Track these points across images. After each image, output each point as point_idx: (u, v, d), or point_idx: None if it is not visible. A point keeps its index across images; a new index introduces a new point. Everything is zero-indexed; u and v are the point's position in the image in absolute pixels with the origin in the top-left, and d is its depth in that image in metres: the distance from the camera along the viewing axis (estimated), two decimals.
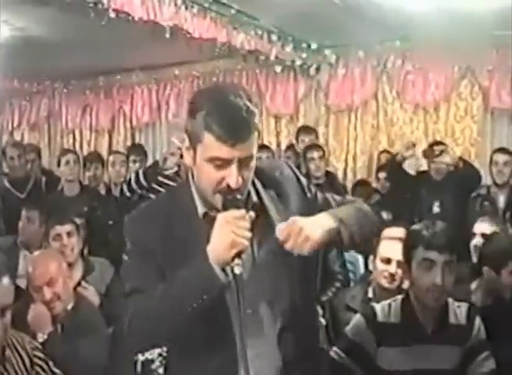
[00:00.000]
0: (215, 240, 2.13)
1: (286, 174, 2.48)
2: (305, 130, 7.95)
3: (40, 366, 3.07)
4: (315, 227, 2.21)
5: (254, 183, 2.36)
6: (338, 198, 2.58)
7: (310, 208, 2.39)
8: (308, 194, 2.48)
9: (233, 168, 2.16)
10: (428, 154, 6.81)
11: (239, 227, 2.10)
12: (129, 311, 2.29)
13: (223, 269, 2.13)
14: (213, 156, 2.17)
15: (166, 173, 5.59)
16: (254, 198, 2.34)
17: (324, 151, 7.39)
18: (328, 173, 7.36)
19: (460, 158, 6.56)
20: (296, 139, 7.84)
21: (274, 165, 2.58)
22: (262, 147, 7.56)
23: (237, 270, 2.09)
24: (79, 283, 4.70)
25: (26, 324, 3.84)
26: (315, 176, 6.88)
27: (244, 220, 2.13)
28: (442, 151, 6.53)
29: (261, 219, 2.28)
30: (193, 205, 2.33)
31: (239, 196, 2.19)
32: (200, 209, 2.32)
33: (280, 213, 2.34)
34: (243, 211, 2.15)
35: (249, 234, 2.12)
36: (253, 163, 2.25)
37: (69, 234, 5.05)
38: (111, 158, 7.33)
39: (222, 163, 2.17)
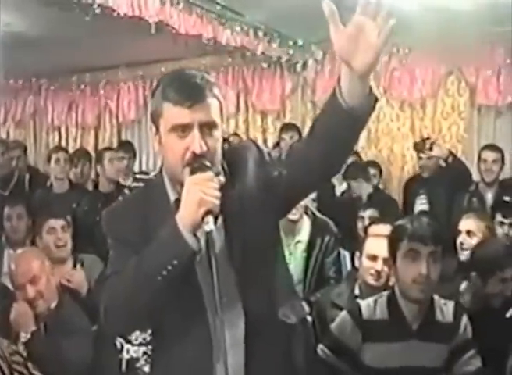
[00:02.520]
0: (183, 203, 2.13)
1: (246, 146, 2.51)
2: (286, 127, 7.92)
3: (20, 372, 3.04)
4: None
5: (222, 166, 2.36)
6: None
7: (268, 172, 2.37)
8: (267, 158, 2.44)
9: (195, 132, 2.18)
10: (420, 147, 6.83)
11: (207, 187, 2.10)
12: (105, 293, 2.31)
13: (195, 235, 2.13)
14: (174, 124, 2.20)
15: (148, 176, 5.54)
16: (222, 179, 2.30)
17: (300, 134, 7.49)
18: None
19: (451, 153, 6.55)
20: (279, 137, 7.82)
21: (239, 144, 2.58)
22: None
23: (207, 228, 2.08)
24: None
25: (10, 324, 3.82)
26: None
27: (212, 181, 2.13)
28: (432, 144, 6.55)
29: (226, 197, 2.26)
30: (165, 193, 2.35)
31: (207, 163, 2.17)
32: (172, 196, 2.33)
33: (230, 197, 2.28)
34: (210, 173, 2.15)
35: (218, 194, 2.11)
36: (217, 133, 2.25)
37: (63, 228, 5.08)
38: (107, 154, 7.27)
39: (183, 130, 2.19)
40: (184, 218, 2.11)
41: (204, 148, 2.18)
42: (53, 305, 4.04)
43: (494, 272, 3.81)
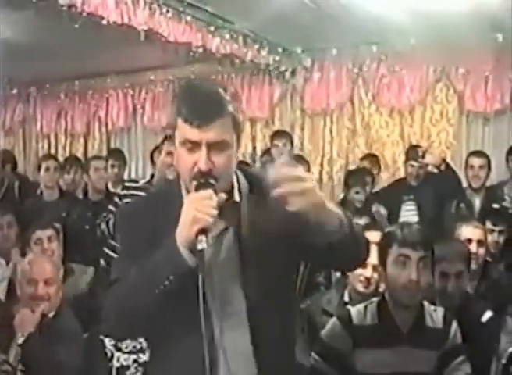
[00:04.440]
0: (180, 220, 2.15)
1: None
2: (279, 134, 7.91)
3: None
4: (314, 187, 2.14)
5: (239, 186, 2.38)
6: None
7: (290, 219, 2.30)
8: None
9: (202, 151, 2.19)
10: (412, 155, 6.83)
11: (202, 205, 2.12)
12: (108, 299, 2.34)
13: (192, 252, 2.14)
14: (184, 139, 2.22)
15: (137, 185, 5.51)
16: (237, 198, 2.34)
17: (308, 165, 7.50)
18: None
19: (443, 160, 6.55)
20: (271, 143, 7.81)
21: (264, 173, 2.59)
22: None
23: (200, 246, 2.09)
24: None
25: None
26: None
27: (209, 199, 2.14)
28: (425, 152, 6.56)
29: (233, 218, 2.33)
30: (181, 199, 2.35)
31: (211, 181, 2.19)
32: None
33: (253, 219, 2.34)
34: (209, 191, 2.16)
35: (213, 212, 2.12)
36: (229, 151, 2.25)
37: (49, 239, 5.10)
38: (93, 163, 7.18)
39: (192, 146, 2.21)
40: (180, 235, 2.13)
41: (210, 166, 2.20)
42: (52, 314, 4.07)
43: (434, 265, 3.81)
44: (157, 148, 7.33)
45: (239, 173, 2.43)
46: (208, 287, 2.21)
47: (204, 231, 2.10)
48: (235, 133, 2.28)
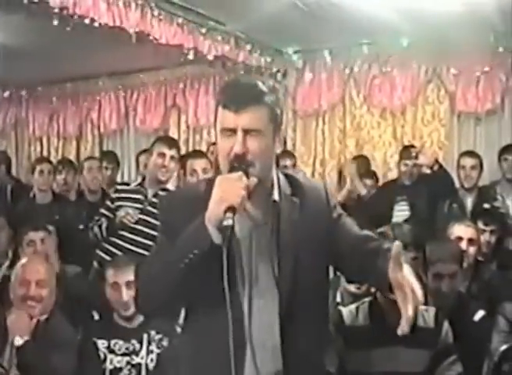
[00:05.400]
0: (211, 199, 2.23)
1: (320, 193, 2.59)
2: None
3: None
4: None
5: (280, 187, 2.49)
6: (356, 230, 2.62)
7: (329, 227, 2.51)
8: (334, 214, 2.57)
9: (238, 135, 2.31)
10: (405, 155, 6.84)
11: (231, 185, 2.22)
12: (141, 271, 2.51)
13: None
14: (222, 127, 2.35)
15: (129, 187, 5.51)
16: (276, 197, 2.44)
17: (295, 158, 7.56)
18: None
19: (436, 161, 6.55)
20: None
21: (312, 181, 2.86)
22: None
23: (225, 222, 2.16)
24: None
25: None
26: None
27: (238, 181, 2.23)
28: (418, 153, 6.56)
29: (272, 217, 2.43)
30: None
31: (243, 165, 2.29)
32: None
33: (293, 221, 2.44)
34: (239, 173, 2.26)
35: (241, 192, 2.20)
36: (264, 139, 2.35)
37: (42, 241, 5.12)
38: (86, 164, 7.21)
39: (229, 133, 2.33)
40: (209, 213, 2.21)
41: (244, 150, 2.30)
42: (44, 317, 4.06)
43: (427, 265, 3.82)
44: (143, 151, 7.36)
45: (280, 175, 2.53)
46: (239, 274, 2.37)
47: (231, 209, 2.17)
48: (272, 124, 2.38)
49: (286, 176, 2.57)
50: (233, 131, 2.32)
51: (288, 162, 7.36)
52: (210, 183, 2.43)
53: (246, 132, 2.31)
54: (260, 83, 2.40)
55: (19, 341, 3.81)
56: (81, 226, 6.07)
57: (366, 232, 2.61)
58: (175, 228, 2.36)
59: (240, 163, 2.29)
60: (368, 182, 7.23)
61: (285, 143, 7.82)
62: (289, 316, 2.39)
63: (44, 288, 4.06)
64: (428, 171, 6.49)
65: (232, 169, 2.29)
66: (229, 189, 2.21)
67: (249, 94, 2.35)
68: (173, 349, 3.92)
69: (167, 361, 3.94)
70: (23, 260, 4.34)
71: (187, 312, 2.53)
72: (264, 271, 2.41)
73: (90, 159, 7.56)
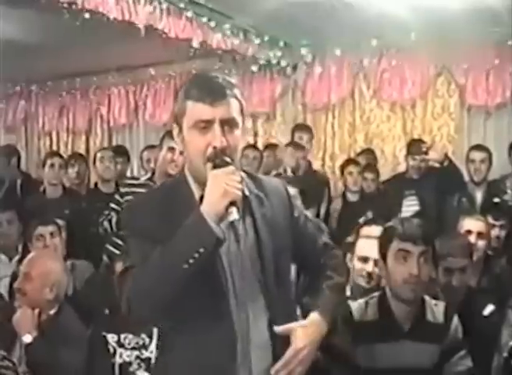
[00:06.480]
0: (207, 195, 2.23)
1: (280, 190, 2.64)
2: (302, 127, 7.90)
3: None
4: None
5: (247, 184, 2.48)
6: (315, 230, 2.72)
7: (292, 225, 2.58)
8: (295, 213, 2.63)
9: (216, 128, 2.31)
10: (415, 150, 6.82)
11: (230, 179, 2.22)
12: (126, 288, 2.39)
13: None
14: (196, 120, 2.34)
15: (139, 181, 5.50)
16: (246, 192, 2.43)
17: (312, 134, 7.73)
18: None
19: (446, 156, 6.53)
20: (292, 136, 7.68)
21: (270, 178, 2.80)
22: (249, 146, 7.65)
23: (231, 217, 2.20)
24: None
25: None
26: None
27: (235, 175, 2.24)
28: (428, 148, 6.54)
29: (245, 212, 2.43)
30: (189, 190, 2.44)
31: (227, 159, 2.28)
32: (197, 193, 2.41)
33: (264, 215, 2.48)
34: (231, 167, 2.26)
35: (240, 186, 2.23)
36: (237, 132, 2.38)
37: (52, 235, 5.13)
38: (99, 154, 7.17)
39: (205, 125, 2.32)
40: (209, 208, 2.20)
41: (225, 144, 2.30)
42: (53, 311, 4.07)
43: (437, 260, 3.81)
44: (147, 147, 7.38)
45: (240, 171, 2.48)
46: (223, 274, 2.37)
47: (233, 204, 2.19)
48: (241, 116, 2.42)
49: (246, 173, 2.58)
50: (209, 123, 2.31)
51: (305, 137, 7.41)
52: (171, 183, 2.53)
53: (222, 125, 2.31)
54: (226, 76, 2.45)
55: (28, 339, 3.82)
56: (90, 223, 6.07)
57: (324, 239, 2.72)
58: (149, 235, 2.34)
59: (222, 159, 2.28)
60: (370, 176, 7.17)
61: (293, 136, 7.74)
62: (275, 312, 2.44)
63: (52, 283, 4.07)
64: (437, 165, 6.47)
65: (216, 166, 2.27)
66: (230, 183, 2.20)
67: (222, 86, 2.37)
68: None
69: None
70: (31, 254, 4.35)
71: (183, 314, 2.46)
72: (248, 268, 2.42)
73: (102, 150, 7.56)
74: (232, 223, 2.25)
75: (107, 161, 6.94)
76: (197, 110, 2.33)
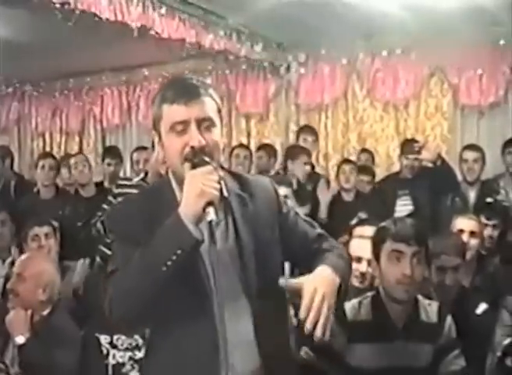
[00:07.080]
0: (184, 195, 2.22)
1: (268, 188, 2.62)
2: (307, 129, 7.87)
3: None
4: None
5: (227, 184, 2.42)
6: (308, 226, 2.68)
7: (280, 222, 2.55)
8: (284, 210, 2.60)
9: (192, 128, 2.31)
10: (408, 149, 6.82)
11: (207, 179, 2.20)
12: (110, 288, 2.34)
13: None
14: (172, 122, 2.33)
15: (131, 182, 5.49)
16: (225, 193, 2.35)
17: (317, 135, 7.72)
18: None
19: (439, 156, 6.53)
20: (297, 138, 7.70)
21: (257, 177, 2.79)
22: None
23: (209, 218, 2.17)
24: None
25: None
26: None
27: (212, 174, 2.22)
28: (421, 148, 6.54)
29: (225, 213, 2.41)
30: (172, 193, 2.43)
31: (206, 158, 2.27)
32: (179, 195, 2.38)
33: (245, 215, 2.45)
34: (209, 167, 2.24)
35: (218, 186, 2.21)
36: (215, 130, 2.37)
37: (46, 236, 5.13)
38: (71, 161, 7.06)
39: (182, 128, 2.32)
40: (186, 209, 2.19)
41: (203, 142, 2.29)
42: (46, 312, 4.06)
43: (430, 259, 3.81)
44: (137, 148, 7.35)
45: (223, 171, 2.47)
46: (206, 275, 2.34)
47: (211, 204, 2.17)
48: (219, 115, 2.41)
49: (231, 173, 2.57)
50: (185, 124, 2.31)
51: (309, 139, 7.41)
52: (154, 187, 2.55)
53: (199, 124, 2.31)
54: (200, 78, 2.49)
55: (21, 340, 3.81)
56: (79, 223, 6.06)
57: (317, 230, 2.67)
58: (133, 238, 2.33)
59: (200, 158, 2.27)
60: (365, 178, 7.16)
61: (298, 139, 7.71)
62: (259, 313, 2.40)
63: (45, 284, 4.06)
64: (431, 165, 6.47)
65: (195, 165, 2.26)
66: (206, 183, 2.19)
67: (195, 87, 2.37)
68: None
69: None
70: (25, 255, 4.34)
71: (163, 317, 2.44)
72: (229, 268, 2.39)
73: (73, 156, 7.39)
74: (211, 223, 2.21)
75: (80, 165, 6.86)
76: (172, 112, 2.34)
